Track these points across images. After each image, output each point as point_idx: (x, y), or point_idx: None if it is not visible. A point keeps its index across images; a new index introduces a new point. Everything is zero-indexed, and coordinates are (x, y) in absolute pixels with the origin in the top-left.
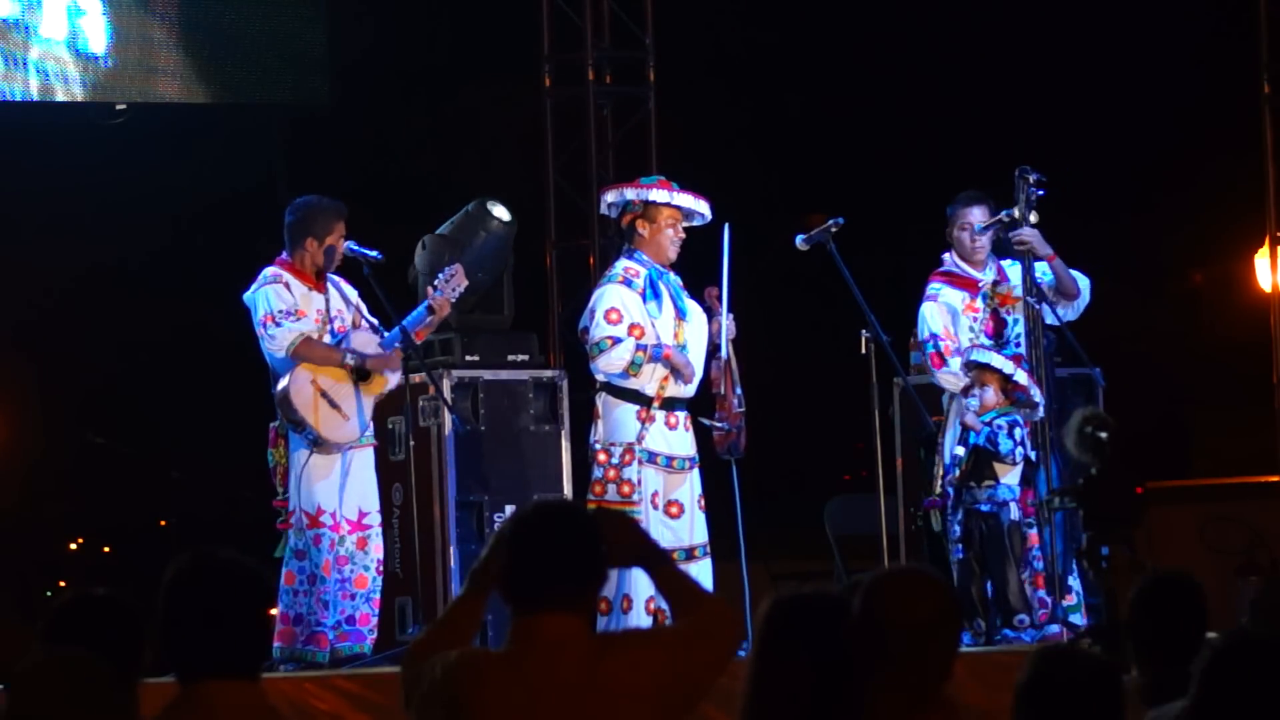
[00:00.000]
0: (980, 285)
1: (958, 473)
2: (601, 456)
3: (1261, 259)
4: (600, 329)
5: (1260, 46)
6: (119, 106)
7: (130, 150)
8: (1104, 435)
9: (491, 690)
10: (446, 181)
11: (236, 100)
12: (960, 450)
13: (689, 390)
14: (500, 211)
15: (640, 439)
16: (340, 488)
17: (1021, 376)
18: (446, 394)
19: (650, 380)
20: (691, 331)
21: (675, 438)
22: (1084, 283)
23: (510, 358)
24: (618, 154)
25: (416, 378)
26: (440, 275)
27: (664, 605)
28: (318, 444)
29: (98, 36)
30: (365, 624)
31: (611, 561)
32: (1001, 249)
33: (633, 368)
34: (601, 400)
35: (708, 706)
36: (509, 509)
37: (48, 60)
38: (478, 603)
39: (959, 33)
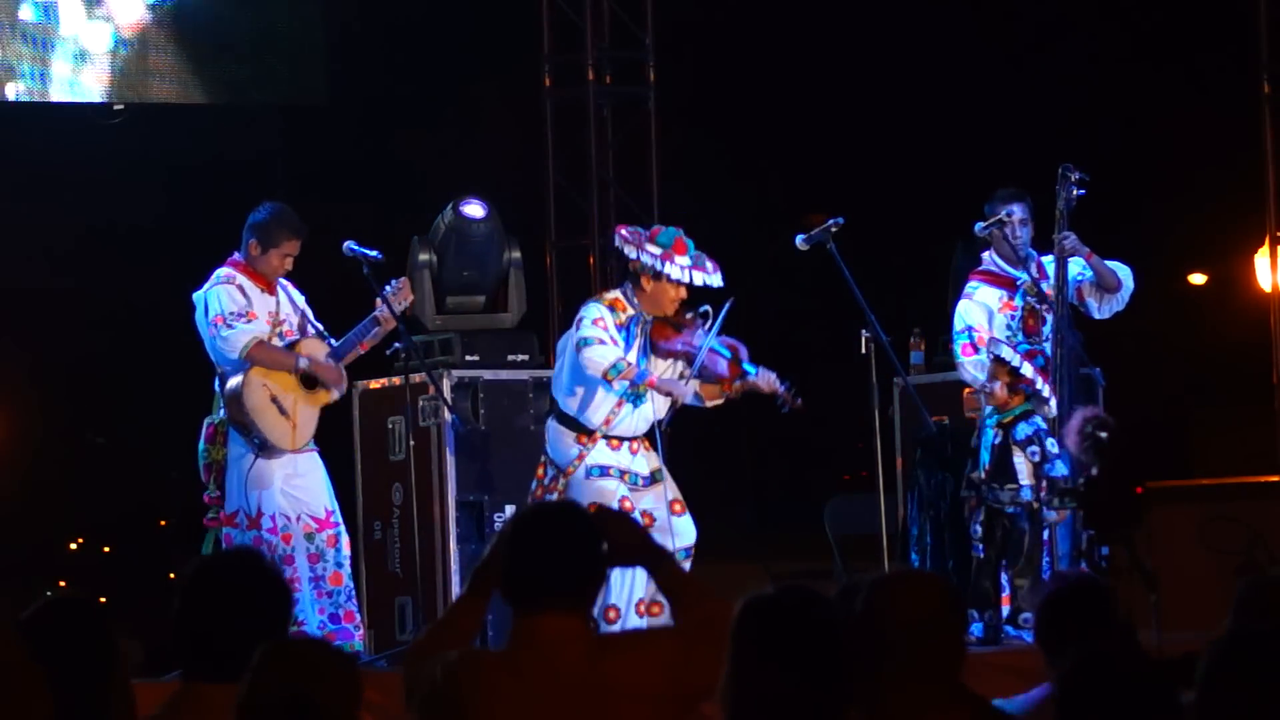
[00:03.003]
0: (1019, 284)
1: (983, 473)
2: (539, 471)
3: (1261, 259)
4: (587, 329)
5: (1260, 46)
6: (116, 106)
7: (128, 150)
8: (1104, 435)
9: (492, 690)
10: (446, 181)
11: (234, 100)
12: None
13: (639, 428)
14: (473, 210)
15: (580, 458)
16: (306, 490)
17: (1028, 369)
18: (446, 394)
19: (598, 411)
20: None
21: (621, 456)
22: (1124, 272)
23: (510, 358)
24: (618, 154)
25: (416, 378)
26: (387, 288)
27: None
28: (263, 449)
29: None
30: (351, 621)
31: (612, 561)
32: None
33: (612, 372)
34: (549, 424)
35: (708, 706)
36: (509, 509)
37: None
38: (479, 603)
39: (958, 33)
